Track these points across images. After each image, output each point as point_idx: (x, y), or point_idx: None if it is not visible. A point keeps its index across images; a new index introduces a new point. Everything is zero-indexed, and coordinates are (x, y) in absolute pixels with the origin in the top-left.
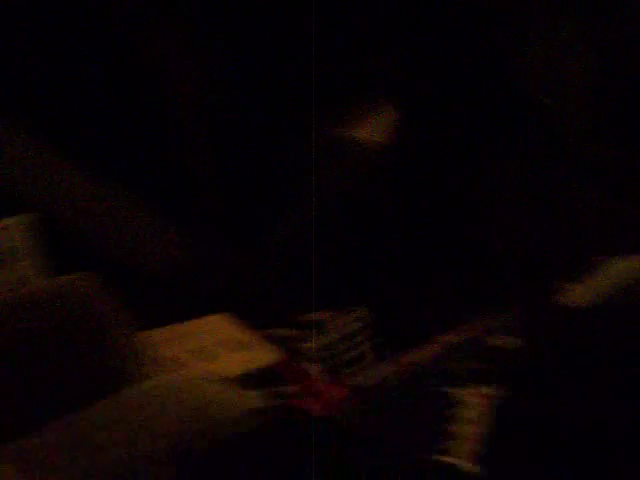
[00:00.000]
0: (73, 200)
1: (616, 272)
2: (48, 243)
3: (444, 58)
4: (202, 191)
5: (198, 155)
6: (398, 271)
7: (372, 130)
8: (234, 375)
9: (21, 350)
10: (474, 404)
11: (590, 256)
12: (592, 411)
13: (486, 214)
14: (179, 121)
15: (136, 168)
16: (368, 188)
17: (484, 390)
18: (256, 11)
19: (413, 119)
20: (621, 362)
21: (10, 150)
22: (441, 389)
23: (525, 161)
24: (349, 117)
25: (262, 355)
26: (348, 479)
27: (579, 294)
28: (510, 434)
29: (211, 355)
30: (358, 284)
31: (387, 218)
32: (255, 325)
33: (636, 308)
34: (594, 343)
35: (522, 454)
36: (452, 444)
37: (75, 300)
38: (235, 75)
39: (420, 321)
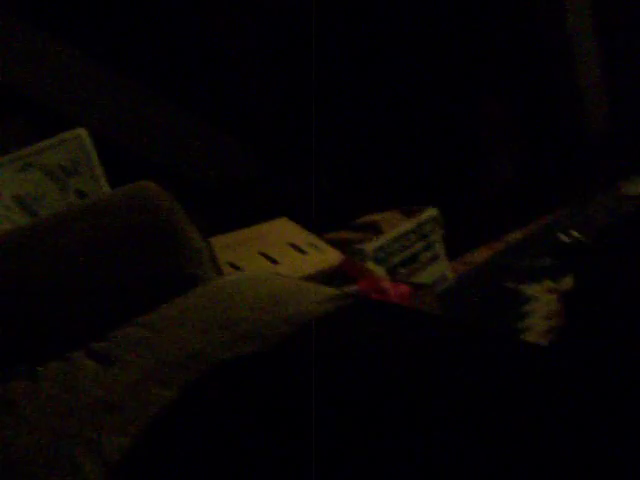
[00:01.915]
0: (127, 114)
1: None
2: (103, 157)
3: None
4: (259, 103)
5: (256, 70)
6: (461, 169)
7: None
8: (298, 276)
9: (96, 256)
10: (545, 299)
11: None
12: None
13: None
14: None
15: (196, 85)
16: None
17: (554, 285)
18: None
19: None
20: None
21: (59, 68)
22: (513, 285)
23: None
24: None
25: (324, 257)
26: (422, 364)
27: None
28: (580, 326)
29: (274, 257)
30: (422, 183)
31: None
32: (316, 229)
33: None
34: None
35: (591, 345)
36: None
37: (143, 205)
38: None
39: (486, 218)
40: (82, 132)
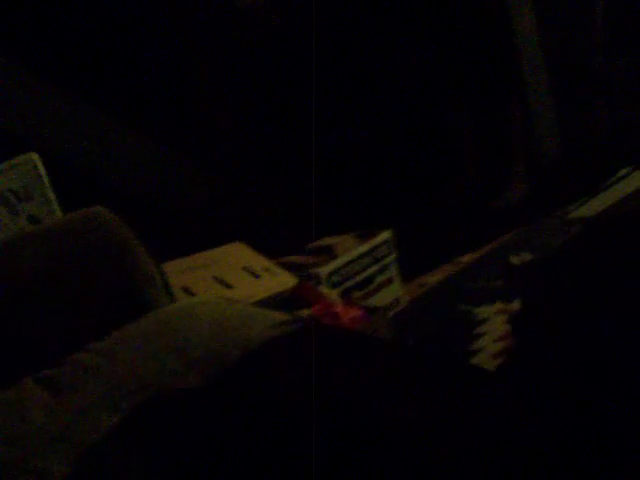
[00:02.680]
0: (81, 137)
1: (631, 182)
2: (54, 182)
3: None
4: (216, 123)
5: (211, 90)
6: (415, 191)
7: None
8: (252, 300)
9: (43, 284)
10: (497, 321)
11: (603, 168)
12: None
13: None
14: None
15: (149, 103)
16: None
17: (506, 307)
18: None
19: None
20: (631, 267)
21: (12, 89)
22: (465, 307)
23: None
24: None
25: (278, 281)
26: (373, 389)
27: (594, 206)
28: (532, 348)
29: (228, 282)
30: (373, 206)
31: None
32: (269, 253)
33: None
34: (606, 251)
35: (544, 365)
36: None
37: (94, 231)
38: None
39: (438, 241)
40: (34, 156)
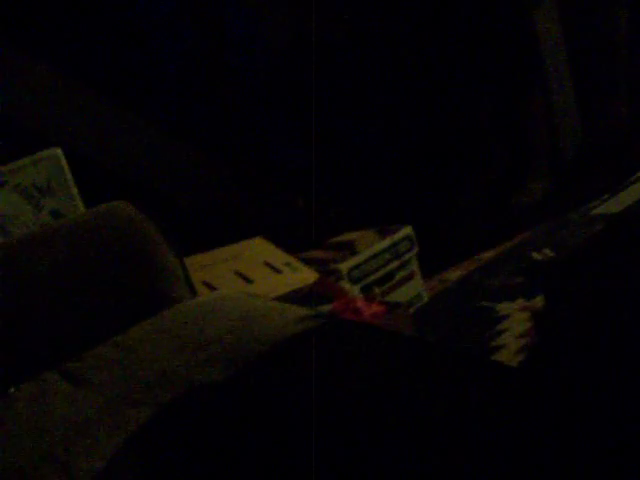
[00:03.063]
0: (105, 133)
1: None
2: (77, 176)
3: None
4: (239, 125)
5: (236, 93)
6: (436, 187)
7: None
8: (273, 295)
9: (65, 278)
10: (518, 318)
11: (628, 166)
12: (631, 315)
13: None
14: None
15: (174, 105)
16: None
17: (527, 303)
18: None
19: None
20: None
21: (35, 86)
22: (486, 304)
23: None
24: None
25: (299, 276)
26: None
27: (615, 203)
28: (555, 345)
29: (250, 277)
30: (394, 202)
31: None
32: (291, 248)
33: None
34: (628, 248)
35: (567, 362)
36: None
37: (117, 225)
38: None
39: (460, 237)
40: (57, 152)
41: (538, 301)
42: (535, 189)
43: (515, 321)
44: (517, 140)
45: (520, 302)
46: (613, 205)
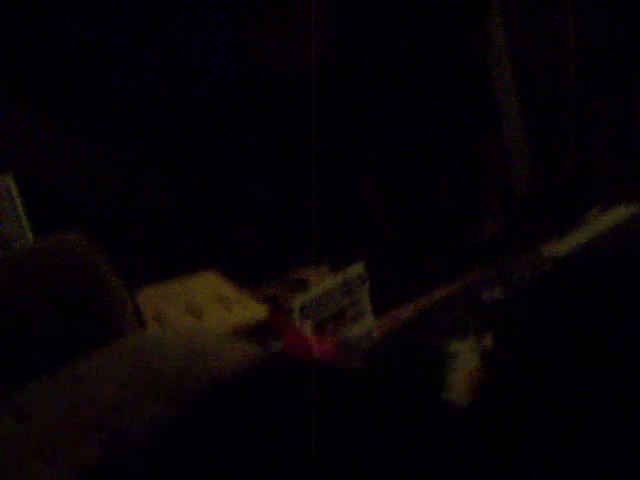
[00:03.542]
0: (55, 159)
1: (602, 221)
2: (27, 204)
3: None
4: (188, 150)
5: (191, 118)
6: (388, 225)
7: None
8: (223, 330)
9: (11, 308)
10: (468, 356)
11: (577, 207)
12: (577, 354)
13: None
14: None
15: (127, 128)
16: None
17: (477, 342)
18: None
19: None
20: (604, 305)
21: None
22: (436, 342)
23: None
24: None
25: (250, 311)
26: (344, 422)
27: (565, 244)
28: (503, 381)
29: (200, 311)
30: (348, 240)
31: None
32: (242, 282)
33: (618, 253)
34: (576, 289)
35: (515, 398)
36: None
37: (66, 255)
38: None
39: (411, 275)
40: (8, 179)
41: (488, 340)
42: (486, 228)
43: (465, 360)
44: (468, 179)
45: (470, 341)
46: (563, 246)
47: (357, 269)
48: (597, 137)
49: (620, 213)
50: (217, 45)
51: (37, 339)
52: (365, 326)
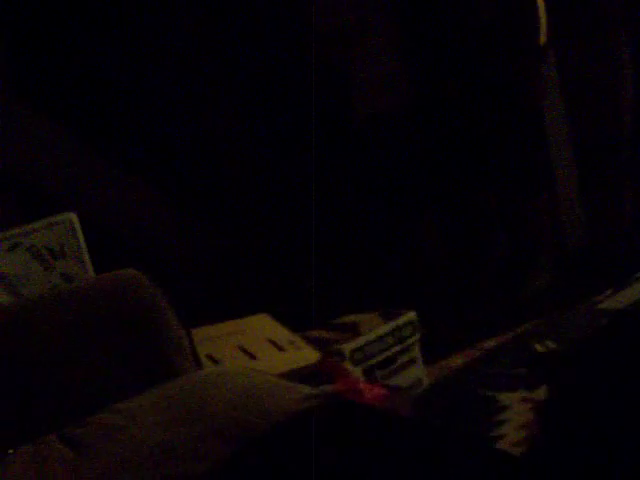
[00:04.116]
0: (119, 200)
1: None
2: (89, 241)
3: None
4: (242, 199)
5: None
6: (442, 274)
7: None
8: (275, 373)
9: (72, 342)
10: (519, 408)
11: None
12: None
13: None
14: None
15: (187, 177)
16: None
17: (529, 394)
18: None
19: None
20: None
21: (54, 149)
22: (488, 393)
23: None
24: None
25: (302, 355)
26: (396, 468)
27: (621, 297)
28: (556, 437)
29: (253, 353)
30: (400, 287)
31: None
32: (295, 326)
33: None
34: (634, 343)
35: (570, 455)
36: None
37: (126, 293)
38: None
39: (463, 325)
40: (72, 216)
41: (540, 393)
42: (539, 280)
43: (516, 412)
44: (522, 230)
45: (521, 393)
46: (618, 300)
47: (409, 317)
48: None
49: None
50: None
51: (95, 374)
52: (415, 374)
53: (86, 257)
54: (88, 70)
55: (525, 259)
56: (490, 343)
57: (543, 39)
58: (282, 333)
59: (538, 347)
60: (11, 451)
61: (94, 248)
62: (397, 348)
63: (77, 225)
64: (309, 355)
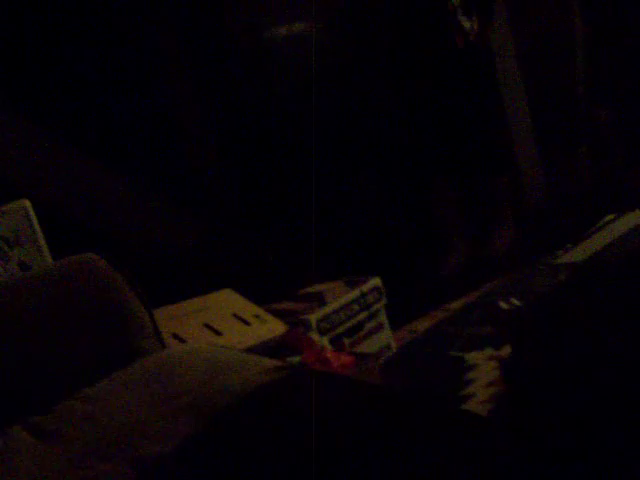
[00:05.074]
0: (72, 184)
1: (616, 227)
2: (45, 228)
3: None
4: (210, 176)
5: (207, 144)
6: (404, 238)
7: None
8: (242, 347)
9: (32, 330)
10: (486, 367)
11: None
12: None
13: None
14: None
15: (140, 153)
16: None
17: (495, 352)
18: None
19: None
20: (619, 311)
21: (3, 136)
22: (455, 353)
23: None
24: None
25: (268, 327)
26: (363, 435)
27: (580, 251)
28: (522, 392)
29: (219, 329)
30: (364, 253)
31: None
32: (259, 300)
33: (632, 258)
34: (593, 296)
35: (537, 409)
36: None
37: (85, 277)
38: None
39: (427, 288)
40: (26, 203)
41: (506, 350)
42: (500, 239)
43: (483, 370)
44: (482, 190)
45: (488, 351)
46: (577, 254)
47: (373, 283)
48: (607, 145)
49: (633, 219)
50: None
51: (58, 360)
52: (383, 339)
53: (43, 244)
54: (34, 53)
55: (487, 218)
56: (455, 304)
57: None
58: (247, 307)
59: (503, 305)
60: None
61: (50, 234)
62: (363, 315)
63: (31, 212)
64: (275, 327)
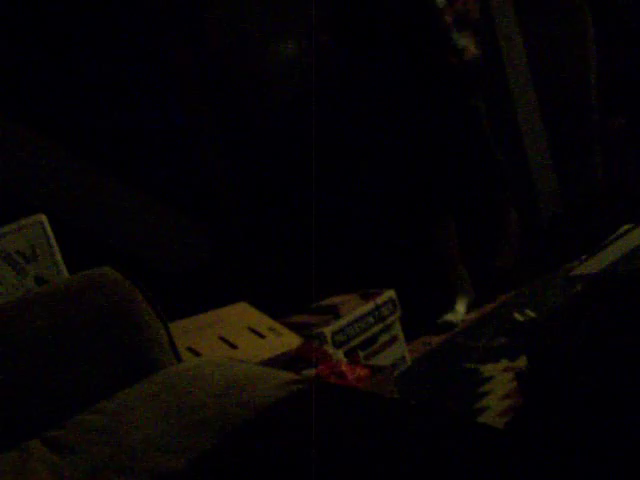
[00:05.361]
0: (89, 199)
1: (629, 239)
2: (61, 243)
3: None
4: (223, 192)
5: (220, 158)
6: (419, 251)
7: None
8: (257, 360)
9: (49, 344)
10: (502, 379)
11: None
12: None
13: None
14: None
15: (156, 169)
16: None
17: (511, 364)
18: None
19: None
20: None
21: (21, 152)
22: (470, 366)
23: None
24: None
25: (283, 341)
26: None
27: (595, 263)
28: (539, 404)
29: (234, 342)
30: (378, 266)
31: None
32: (275, 313)
33: None
34: (610, 309)
35: (553, 421)
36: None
37: (101, 291)
38: None
39: (442, 300)
40: (42, 218)
41: (521, 362)
42: (515, 252)
43: (499, 382)
44: (497, 204)
45: (504, 363)
46: (593, 265)
47: (388, 295)
48: (622, 155)
49: None
50: None
51: (75, 375)
52: (397, 352)
53: (59, 258)
54: (47, 71)
55: (501, 230)
56: (470, 316)
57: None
58: (262, 320)
59: (518, 316)
60: None
61: (67, 249)
62: (378, 327)
63: (48, 227)
64: (290, 340)
